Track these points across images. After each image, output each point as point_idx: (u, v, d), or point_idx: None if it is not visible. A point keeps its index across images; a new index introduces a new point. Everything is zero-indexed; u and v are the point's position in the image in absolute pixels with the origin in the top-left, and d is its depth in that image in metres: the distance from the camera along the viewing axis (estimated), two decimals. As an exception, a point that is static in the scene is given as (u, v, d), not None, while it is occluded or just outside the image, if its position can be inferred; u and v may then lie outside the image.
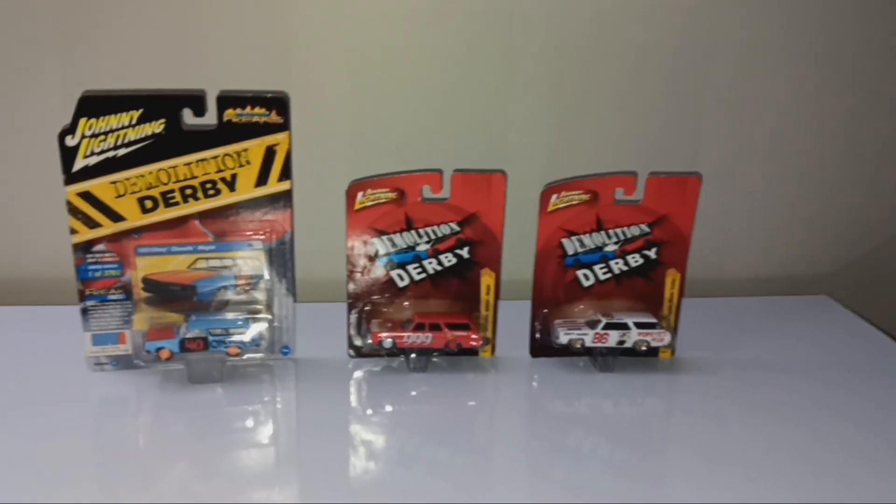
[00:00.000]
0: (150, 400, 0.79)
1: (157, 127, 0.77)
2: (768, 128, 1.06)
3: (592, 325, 0.85)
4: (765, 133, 1.06)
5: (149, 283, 0.81)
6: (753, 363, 0.89)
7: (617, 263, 0.86)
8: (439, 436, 0.75)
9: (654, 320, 0.85)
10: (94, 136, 0.76)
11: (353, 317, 0.86)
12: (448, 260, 0.84)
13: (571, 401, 0.82)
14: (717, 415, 0.79)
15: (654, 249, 0.86)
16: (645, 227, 0.85)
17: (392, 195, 0.82)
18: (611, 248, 0.85)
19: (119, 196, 0.78)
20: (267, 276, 0.83)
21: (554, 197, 0.83)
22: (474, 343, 0.84)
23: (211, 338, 0.80)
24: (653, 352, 0.86)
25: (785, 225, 1.11)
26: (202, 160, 0.78)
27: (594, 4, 0.98)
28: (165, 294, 0.81)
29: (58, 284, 0.91)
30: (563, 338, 0.84)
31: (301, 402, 0.82)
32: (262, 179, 0.80)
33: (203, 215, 0.80)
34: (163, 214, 0.79)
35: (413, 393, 0.82)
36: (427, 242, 0.84)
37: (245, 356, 0.82)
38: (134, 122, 0.76)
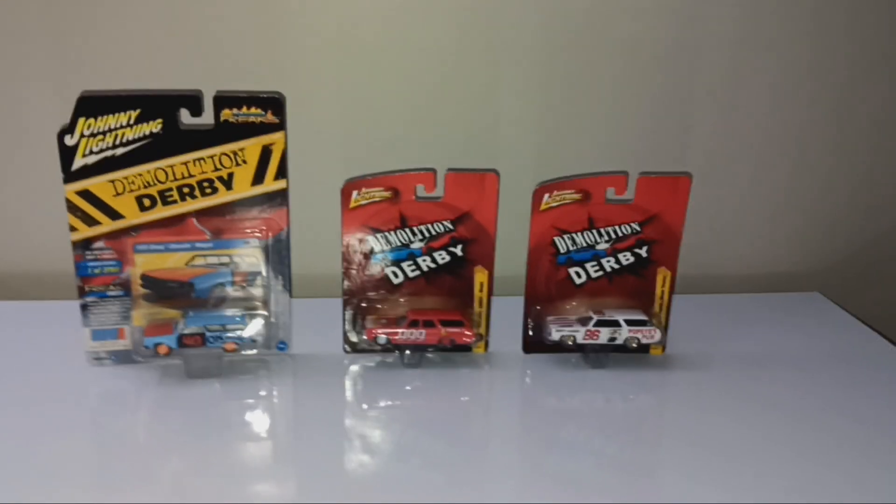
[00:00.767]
0: (149, 394, 0.80)
1: (154, 126, 0.78)
2: (757, 124, 1.06)
3: (584, 322, 0.86)
4: (754, 129, 1.07)
5: (147, 280, 0.82)
6: (744, 358, 0.91)
7: (609, 261, 0.87)
8: (434, 430, 0.77)
9: (644, 318, 0.87)
10: (93, 135, 0.77)
11: (349, 313, 0.87)
12: (442, 257, 0.85)
13: (564, 396, 0.84)
14: (708, 409, 0.81)
15: (645, 248, 0.87)
16: (636, 226, 0.86)
17: (386, 194, 0.83)
18: (602, 246, 0.86)
19: (117, 194, 0.79)
20: (264, 273, 0.84)
21: (546, 196, 0.84)
22: (467, 339, 0.85)
23: (208, 334, 0.81)
24: (644, 348, 0.88)
25: (776, 221, 1.12)
26: (199, 159, 0.79)
27: (582, 2, 0.98)
28: (163, 291, 0.82)
29: (60, 279, 0.92)
30: (556, 334, 0.86)
31: (298, 396, 0.83)
32: (258, 178, 0.81)
33: (200, 213, 0.81)
34: (161, 212, 0.80)
35: (408, 388, 0.84)
36: (421, 240, 0.85)
37: (242, 352, 0.83)
38: (132, 121, 0.77)
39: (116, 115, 0.77)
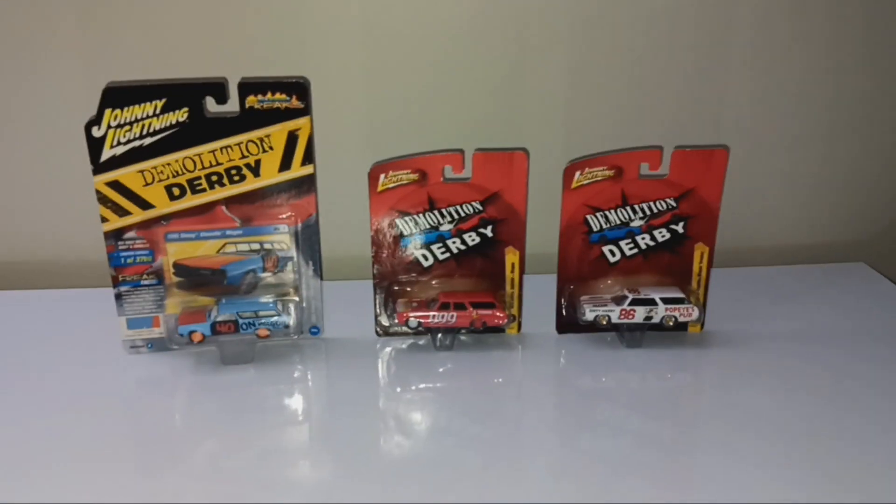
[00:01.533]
0: (185, 380, 0.81)
1: (180, 115, 0.77)
2: (795, 90, 1.02)
3: (619, 301, 0.85)
4: (792, 96, 1.02)
5: (180, 268, 0.82)
6: (786, 335, 0.88)
7: (643, 239, 0.85)
8: (468, 410, 0.77)
9: (681, 295, 0.85)
10: (120, 126, 0.77)
11: (380, 297, 0.87)
12: (472, 239, 0.84)
13: (598, 376, 0.83)
14: (746, 388, 0.79)
15: (681, 224, 0.84)
16: (671, 202, 0.84)
17: (414, 176, 0.82)
18: (637, 223, 0.84)
19: (147, 184, 0.79)
20: (294, 259, 0.84)
21: (577, 173, 0.82)
22: (499, 321, 0.85)
23: (241, 320, 0.81)
24: (681, 327, 0.86)
25: (817, 188, 1.08)
26: (226, 147, 0.79)
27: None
28: (196, 278, 0.83)
29: (97, 268, 0.94)
30: (590, 314, 0.84)
31: (331, 380, 0.84)
32: (285, 164, 0.80)
33: (229, 201, 0.81)
34: (190, 201, 0.81)
35: (440, 370, 0.83)
36: (450, 222, 0.84)
37: (275, 338, 0.84)
38: (158, 111, 0.77)
39: (142, 105, 0.77)
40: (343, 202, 0.88)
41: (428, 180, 0.82)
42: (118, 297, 0.83)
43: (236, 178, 0.80)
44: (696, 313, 0.85)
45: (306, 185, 0.82)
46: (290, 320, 0.83)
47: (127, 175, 0.79)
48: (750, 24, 0.99)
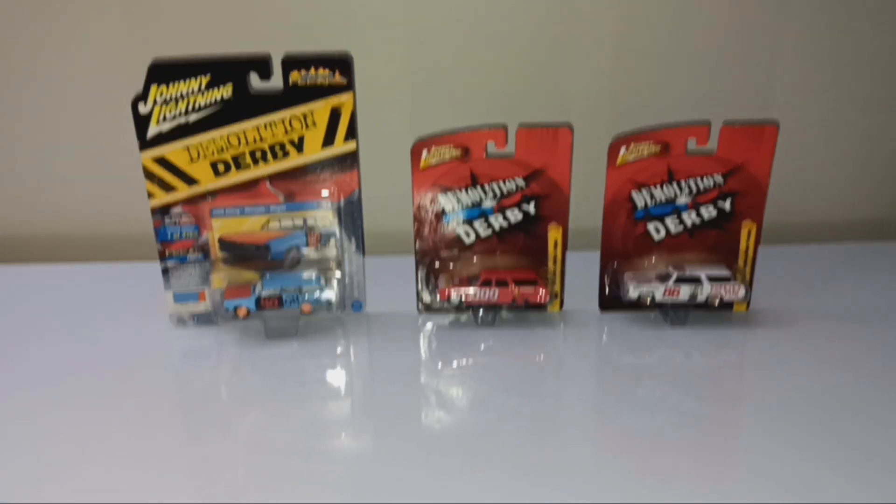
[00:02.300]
0: (229, 353, 0.83)
1: (225, 92, 0.78)
2: (845, 63, 0.99)
3: (663, 278, 0.84)
4: (842, 70, 0.99)
5: (225, 244, 0.83)
6: (832, 314, 0.87)
7: (689, 215, 0.84)
8: (508, 386, 0.77)
9: (727, 273, 0.83)
10: (166, 102, 0.78)
11: (422, 273, 0.87)
12: (514, 215, 0.84)
13: (641, 353, 0.82)
14: (791, 368, 0.78)
15: (728, 200, 0.83)
16: (719, 178, 0.82)
17: (456, 152, 0.81)
18: (683, 200, 0.83)
19: (192, 160, 0.80)
20: (337, 235, 0.84)
21: (623, 149, 0.81)
22: (541, 299, 0.84)
23: (285, 296, 0.82)
24: (727, 305, 0.85)
25: (867, 164, 1.05)
26: (270, 123, 0.79)
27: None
28: (241, 254, 0.84)
29: (143, 241, 0.95)
30: (634, 292, 0.84)
31: (374, 354, 0.84)
32: (328, 140, 0.80)
33: (273, 177, 0.82)
34: (235, 177, 0.81)
35: (482, 347, 0.83)
36: (493, 198, 0.83)
37: (317, 313, 0.85)
38: (203, 87, 0.77)
39: (188, 80, 0.77)
40: (385, 178, 0.88)
41: (471, 156, 0.81)
42: (165, 271, 0.84)
43: (280, 154, 0.81)
44: (742, 292, 0.83)
45: (349, 160, 0.82)
46: (333, 296, 0.83)
47: (173, 151, 0.80)
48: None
